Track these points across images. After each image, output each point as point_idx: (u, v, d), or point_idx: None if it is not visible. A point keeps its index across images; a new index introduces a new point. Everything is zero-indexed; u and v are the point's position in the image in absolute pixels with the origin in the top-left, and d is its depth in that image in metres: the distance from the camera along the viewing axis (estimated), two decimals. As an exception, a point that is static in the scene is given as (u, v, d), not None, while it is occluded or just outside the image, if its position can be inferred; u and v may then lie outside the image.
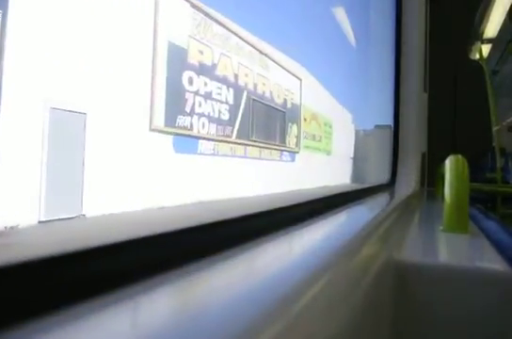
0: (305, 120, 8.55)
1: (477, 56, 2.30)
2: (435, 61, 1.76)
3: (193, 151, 4.76)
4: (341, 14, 7.52)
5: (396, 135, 1.35)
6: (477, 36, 2.23)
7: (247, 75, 5.91)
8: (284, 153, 7.56)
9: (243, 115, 5.83)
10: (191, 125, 4.73)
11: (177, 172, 4.32)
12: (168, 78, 4.30)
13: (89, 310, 0.17)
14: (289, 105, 7.75)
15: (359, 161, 10.25)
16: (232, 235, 0.30)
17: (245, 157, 5.94)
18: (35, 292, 0.16)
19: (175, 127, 4.42)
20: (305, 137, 8.57)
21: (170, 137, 4.36)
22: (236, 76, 5.59)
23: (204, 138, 4.95)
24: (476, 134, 2.16)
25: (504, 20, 2.07)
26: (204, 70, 4.89)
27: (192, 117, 4.73)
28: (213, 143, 5.11)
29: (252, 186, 5.18)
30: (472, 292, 0.49)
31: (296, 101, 8.15)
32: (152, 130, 4.09)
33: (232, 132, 5.59)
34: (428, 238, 0.69)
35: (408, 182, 1.28)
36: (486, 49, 2.37)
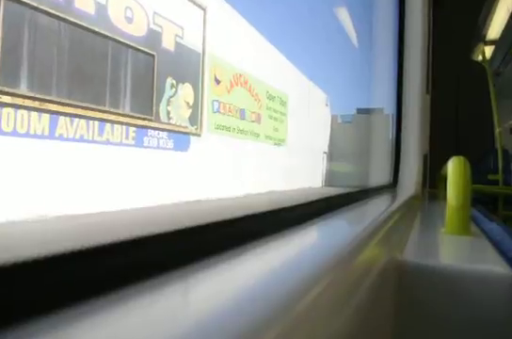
0: (218, 81, 4.99)
1: (480, 58, 2.30)
2: (437, 63, 1.76)
3: None
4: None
5: (398, 136, 1.34)
6: (480, 37, 2.23)
7: None
8: (155, 133, 3.89)
9: None
10: None
11: None
12: None
13: (89, 311, 0.17)
14: (167, 46, 4.08)
15: (335, 157, 8.07)
16: (235, 235, 0.30)
17: None
18: (35, 291, 0.16)
19: None
20: (218, 112, 5.05)
21: None
22: None
23: None
24: (478, 135, 2.16)
25: (507, 21, 2.07)
26: None
27: None
28: None
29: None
30: (473, 293, 0.49)
31: (192, 43, 4.43)
32: None
33: None
34: (430, 240, 0.69)
35: (410, 183, 1.28)
36: (489, 50, 2.37)
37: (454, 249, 0.65)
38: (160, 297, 0.20)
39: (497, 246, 0.63)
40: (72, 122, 3.00)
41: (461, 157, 0.72)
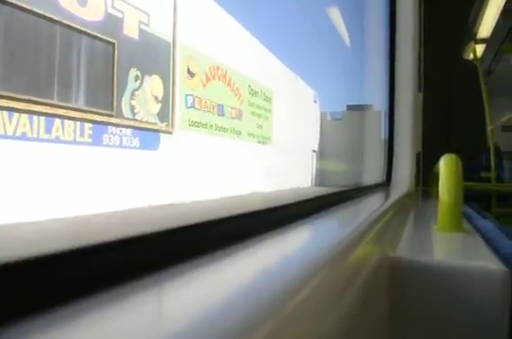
0: (191, 74, 4.53)
1: (471, 56, 2.31)
2: (429, 61, 1.77)
3: None
4: None
5: (391, 134, 1.35)
6: (471, 36, 2.24)
7: None
8: (116, 130, 3.41)
9: None
10: None
11: None
12: None
13: (85, 308, 0.17)
14: (129, 34, 3.55)
15: (326, 155, 7.83)
16: (226, 235, 0.30)
17: None
18: (32, 290, 0.16)
19: None
20: (192, 107, 4.56)
21: None
22: None
23: None
24: (471, 133, 2.17)
25: (498, 20, 2.09)
26: None
27: None
28: None
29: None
30: (466, 290, 0.49)
31: (160, 32, 3.91)
32: None
33: None
34: (423, 237, 0.69)
35: (404, 181, 1.28)
36: (480, 49, 2.38)
37: (446, 245, 0.66)
38: (150, 297, 0.20)
39: (489, 242, 0.63)
40: (10, 118, 2.53)
41: (452, 155, 0.72)
